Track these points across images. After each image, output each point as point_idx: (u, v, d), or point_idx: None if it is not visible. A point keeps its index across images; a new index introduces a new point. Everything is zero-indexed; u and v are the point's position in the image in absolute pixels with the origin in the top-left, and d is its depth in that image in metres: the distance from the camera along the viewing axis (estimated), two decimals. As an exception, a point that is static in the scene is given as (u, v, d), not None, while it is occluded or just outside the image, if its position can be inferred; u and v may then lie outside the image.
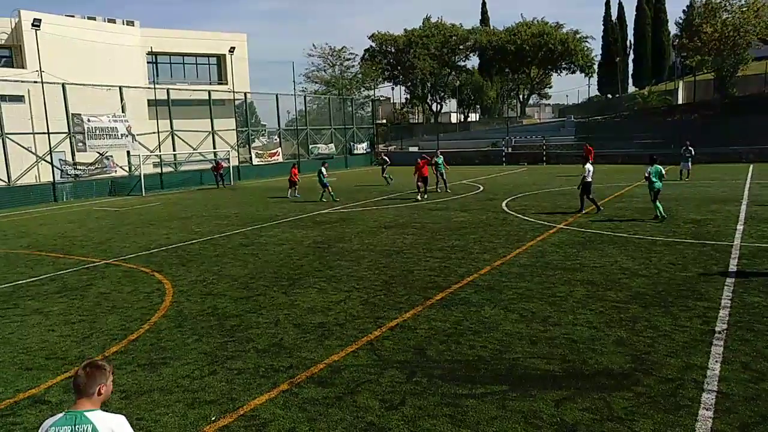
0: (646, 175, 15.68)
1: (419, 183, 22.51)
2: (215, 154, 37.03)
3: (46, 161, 29.47)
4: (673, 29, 70.11)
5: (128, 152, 32.88)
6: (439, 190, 24.82)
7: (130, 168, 33.28)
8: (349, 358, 6.84)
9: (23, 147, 28.28)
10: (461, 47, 75.45)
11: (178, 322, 8.51)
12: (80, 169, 30.42)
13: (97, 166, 31.25)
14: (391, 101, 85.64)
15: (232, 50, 42.68)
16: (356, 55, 71.23)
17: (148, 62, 43.80)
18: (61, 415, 2.89)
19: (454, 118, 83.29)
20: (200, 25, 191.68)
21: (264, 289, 10.20)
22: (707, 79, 55.15)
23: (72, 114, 29.94)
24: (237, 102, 44.67)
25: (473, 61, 79.31)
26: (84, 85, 30.61)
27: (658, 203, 15.52)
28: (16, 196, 27.36)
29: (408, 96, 79.85)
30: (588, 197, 17.34)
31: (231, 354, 7.15)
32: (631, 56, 73.30)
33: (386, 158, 31.28)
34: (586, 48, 73.52)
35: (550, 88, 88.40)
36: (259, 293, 9.92)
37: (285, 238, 15.33)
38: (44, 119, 28.47)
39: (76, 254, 14.29)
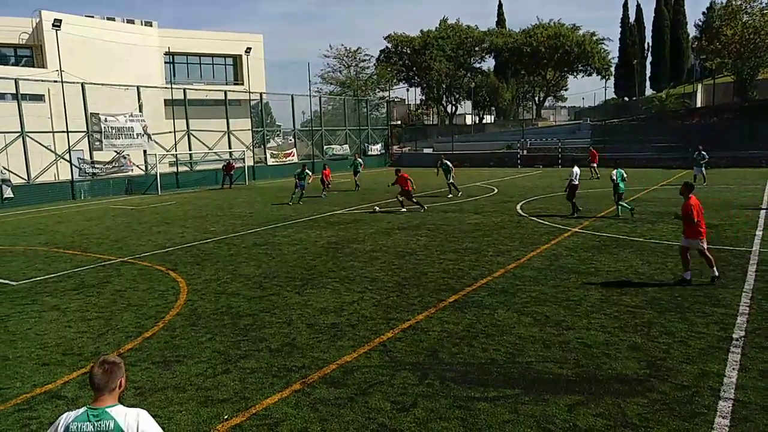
0: (613, 178, 16.96)
1: (399, 196, 20.37)
2: (230, 154, 37.24)
3: (65, 160, 29.84)
4: (692, 31, 69.48)
5: (145, 151, 33.20)
6: (450, 196, 23.75)
7: (146, 167, 33.58)
8: (361, 359, 6.85)
9: (43, 145, 28.63)
10: (477, 49, 75.42)
11: (192, 320, 8.59)
12: (98, 168, 30.80)
13: (114, 164, 31.58)
14: (406, 102, 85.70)
15: (248, 51, 42.93)
16: (371, 56, 71.57)
17: (165, 62, 44.21)
18: (82, 410, 2.93)
19: (469, 120, 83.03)
20: (217, 26, 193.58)
21: (277, 288, 10.25)
22: (727, 82, 54.43)
23: (90, 113, 30.33)
24: (252, 102, 44.96)
25: (489, 63, 79.36)
26: (102, 84, 30.98)
27: (622, 202, 16.96)
28: (35, 193, 27.75)
29: (423, 97, 79.86)
30: (570, 200, 17.75)
31: (244, 353, 7.19)
32: (649, 58, 72.53)
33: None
34: (602, 50, 73.09)
35: (566, 90, 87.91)
36: (273, 293, 9.97)
37: (299, 238, 15.39)
38: (63, 118, 28.87)
39: (92, 252, 14.46)
